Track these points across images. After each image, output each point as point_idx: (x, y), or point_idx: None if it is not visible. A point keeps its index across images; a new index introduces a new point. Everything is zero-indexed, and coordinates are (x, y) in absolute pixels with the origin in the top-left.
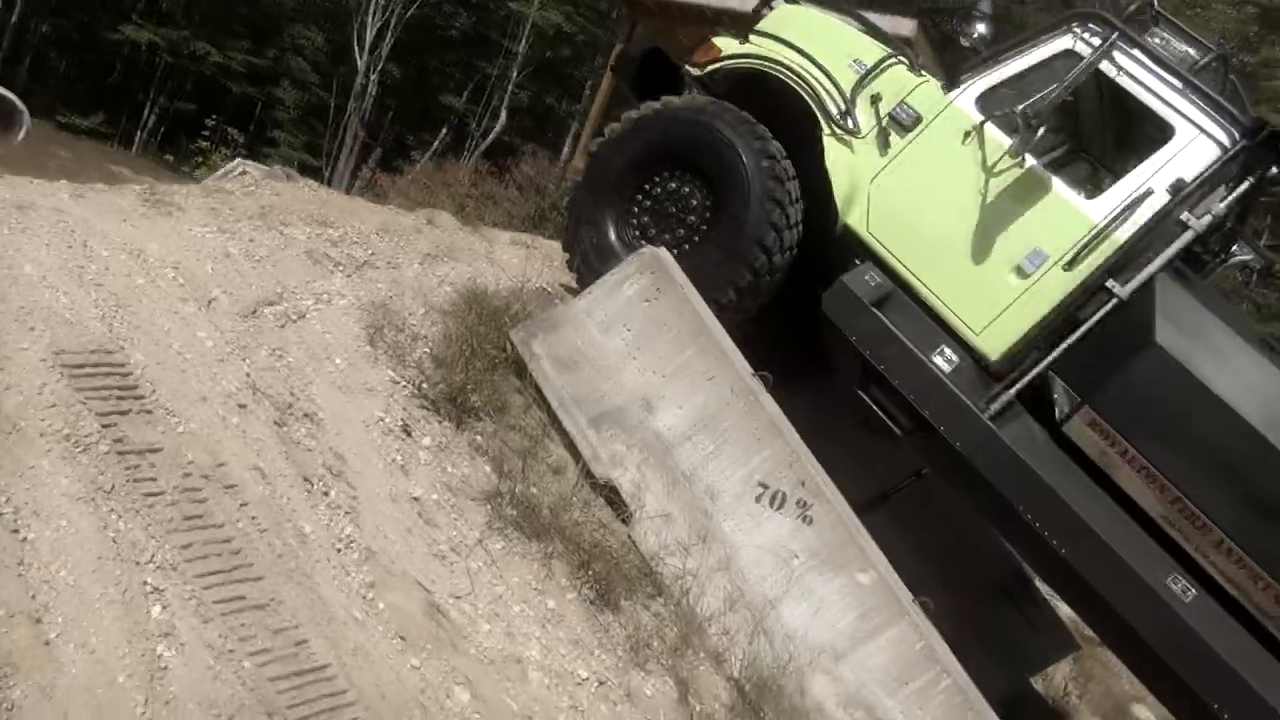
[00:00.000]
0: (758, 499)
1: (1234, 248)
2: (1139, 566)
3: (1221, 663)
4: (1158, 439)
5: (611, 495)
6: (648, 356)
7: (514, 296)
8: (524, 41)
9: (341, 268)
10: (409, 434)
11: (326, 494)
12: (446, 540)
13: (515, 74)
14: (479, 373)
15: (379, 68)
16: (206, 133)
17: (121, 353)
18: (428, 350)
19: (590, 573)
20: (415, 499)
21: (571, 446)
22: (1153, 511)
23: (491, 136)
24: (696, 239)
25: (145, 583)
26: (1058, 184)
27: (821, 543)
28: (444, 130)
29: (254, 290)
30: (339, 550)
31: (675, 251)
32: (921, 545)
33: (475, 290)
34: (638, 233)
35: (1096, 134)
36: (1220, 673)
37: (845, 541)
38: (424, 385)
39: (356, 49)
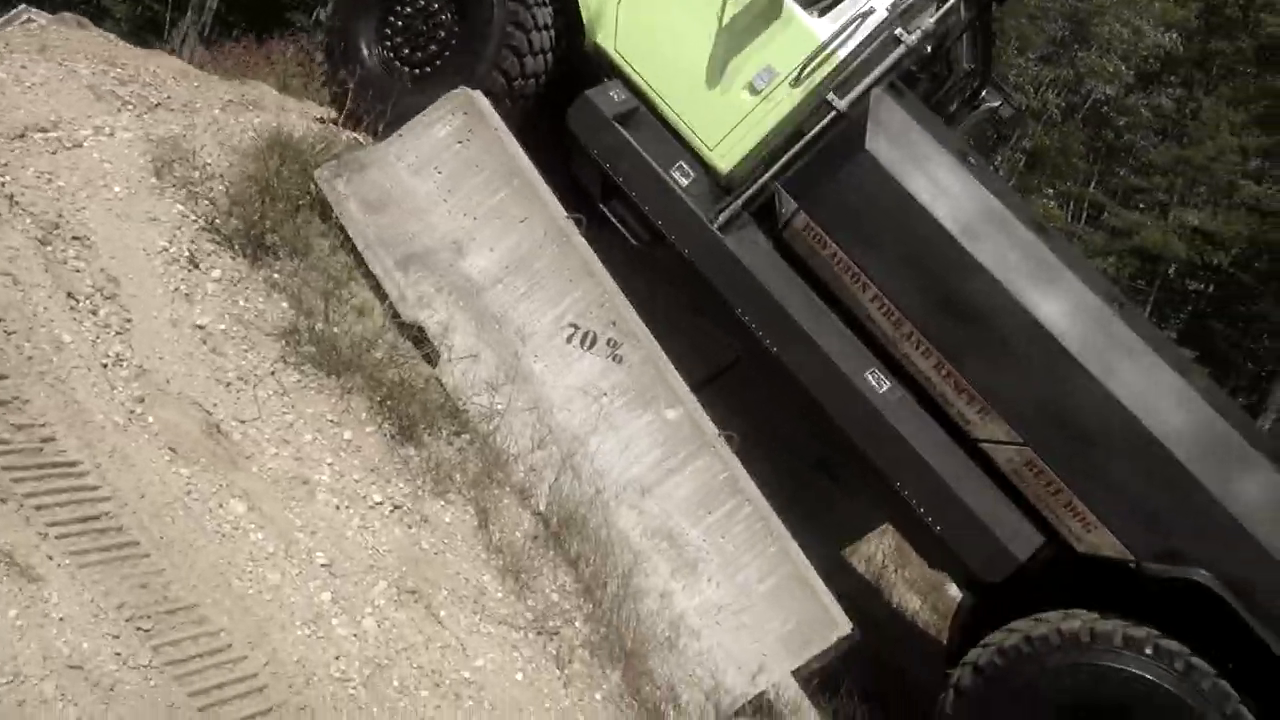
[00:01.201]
0: (569, 339)
1: (984, 94)
2: (841, 362)
3: (909, 449)
4: (862, 241)
5: (419, 337)
6: (459, 199)
7: (321, 143)
8: None
9: (130, 106)
10: (196, 265)
11: (94, 312)
12: (234, 369)
13: None
14: (280, 214)
15: None
16: None
17: None
18: (223, 189)
19: (392, 409)
20: (200, 327)
21: (378, 289)
22: (856, 310)
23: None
24: (447, 54)
25: None
26: (789, 3)
27: (631, 381)
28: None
29: (22, 114)
30: (105, 366)
31: (428, 69)
32: (744, 426)
33: (280, 135)
34: (391, 53)
35: None
36: (908, 458)
37: (654, 379)
38: (217, 221)
39: None
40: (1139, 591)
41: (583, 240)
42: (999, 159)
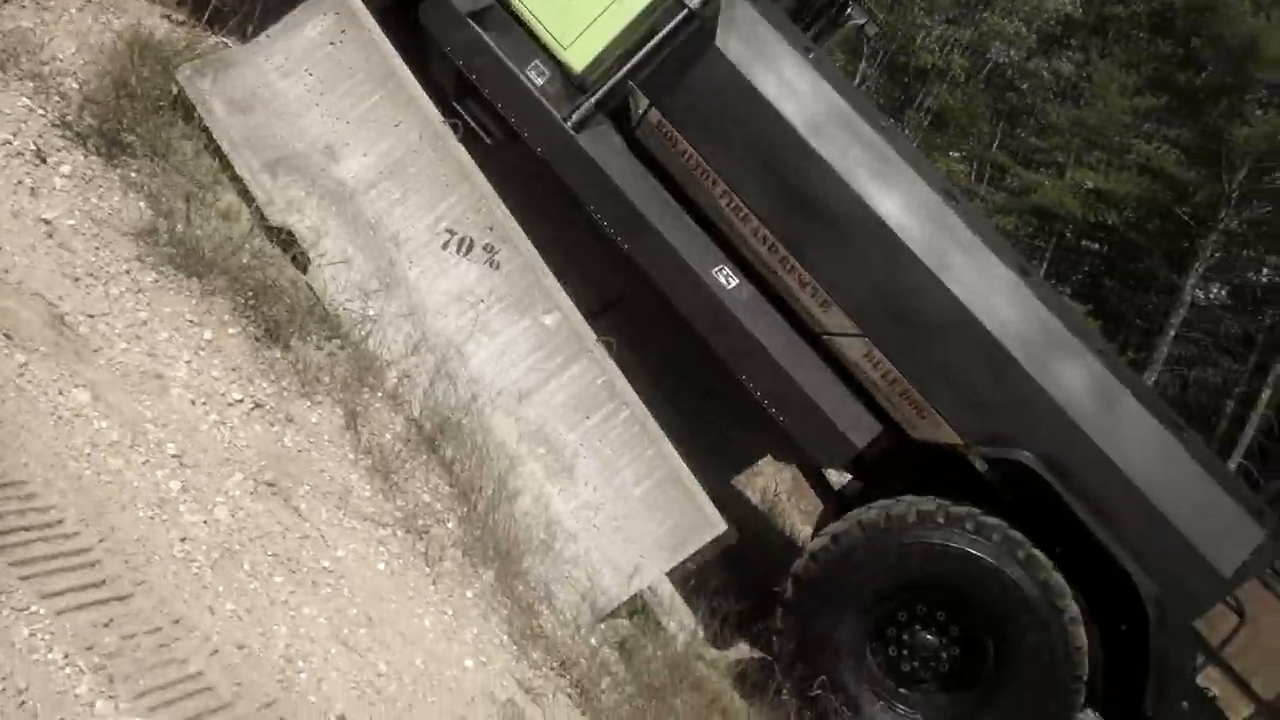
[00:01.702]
0: (445, 245)
1: (849, 10)
2: (691, 259)
3: (754, 342)
4: (712, 137)
5: (288, 241)
6: (331, 102)
7: (185, 43)
8: None
9: None
10: (43, 160)
11: None
12: (84, 265)
13: None
14: (139, 113)
15: None
16: None
17: None
18: (76, 86)
19: (257, 311)
20: (46, 221)
21: (245, 193)
22: (706, 207)
23: None
24: None
25: None
26: None
27: (508, 286)
28: None
29: None
30: None
31: None
32: (635, 358)
33: (141, 34)
34: None
35: None
36: (753, 351)
37: (531, 285)
38: (68, 118)
39: None
40: (973, 475)
41: (458, 145)
42: (905, 120)
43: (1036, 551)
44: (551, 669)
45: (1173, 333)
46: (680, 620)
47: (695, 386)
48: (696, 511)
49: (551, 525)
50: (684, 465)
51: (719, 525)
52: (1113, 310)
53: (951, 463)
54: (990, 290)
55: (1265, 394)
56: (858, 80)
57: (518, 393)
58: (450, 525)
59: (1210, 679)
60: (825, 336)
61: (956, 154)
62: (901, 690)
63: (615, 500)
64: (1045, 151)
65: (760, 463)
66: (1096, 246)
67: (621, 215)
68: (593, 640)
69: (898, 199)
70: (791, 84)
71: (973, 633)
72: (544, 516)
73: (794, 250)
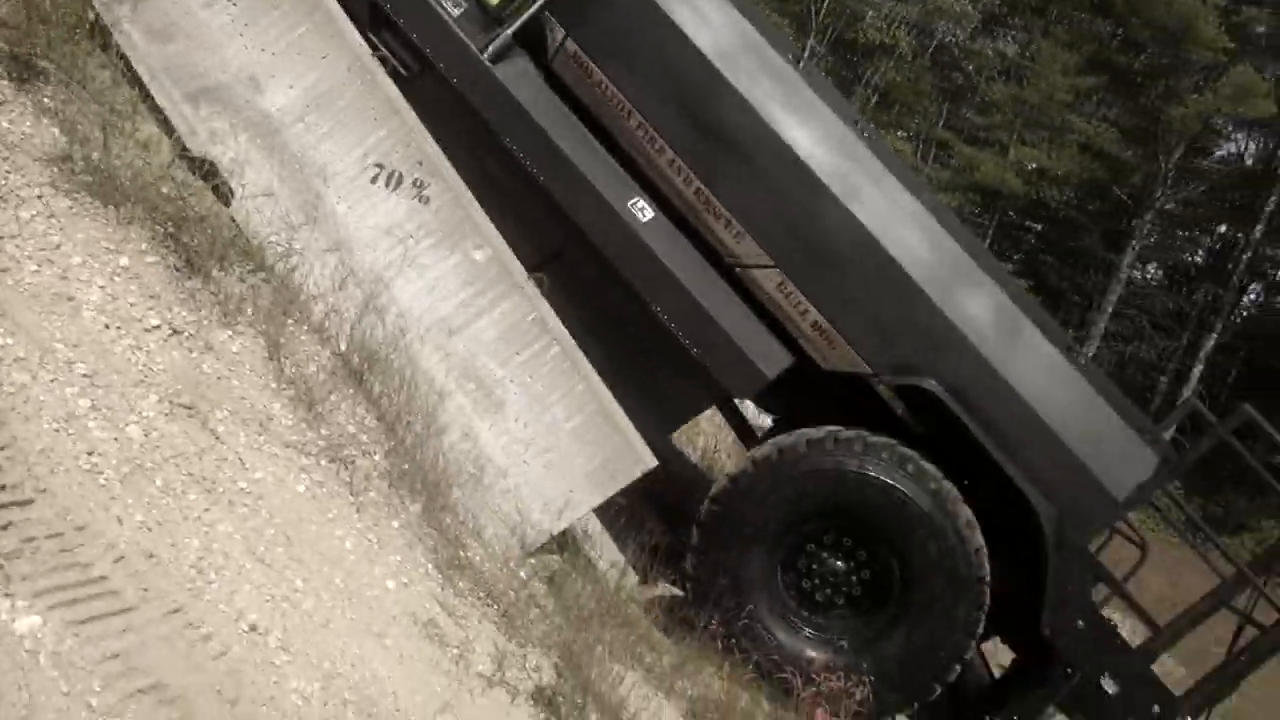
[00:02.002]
0: (373, 179)
1: None
2: (606, 191)
3: (669, 274)
4: (627, 68)
5: (210, 173)
6: (256, 33)
7: None
8: None
9: None
10: None
11: None
12: None
13: None
14: (54, 39)
15: None
16: None
17: None
18: None
19: (177, 241)
20: None
21: (165, 124)
22: (621, 139)
23: None
24: None
25: None
26: None
27: (438, 221)
28: None
29: None
30: None
31: None
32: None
33: None
34: None
35: None
36: (667, 283)
37: (461, 219)
38: None
39: None
40: (884, 408)
41: (386, 78)
42: (852, 97)
43: (926, 464)
44: (478, 598)
45: (1110, 310)
46: (609, 556)
47: (633, 345)
48: (626, 446)
49: (481, 460)
50: (614, 401)
51: (649, 460)
52: (1052, 287)
53: (862, 395)
54: (897, 220)
55: (1197, 369)
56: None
57: (447, 328)
58: (376, 458)
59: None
60: (739, 268)
61: (903, 133)
62: (817, 618)
63: (545, 435)
64: (988, 129)
65: (701, 420)
66: (1037, 225)
67: (537, 147)
68: (522, 573)
69: (808, 130)
70: (704, 14)
71: (877, 553)
72: (473, 451)
73: (707, 181)
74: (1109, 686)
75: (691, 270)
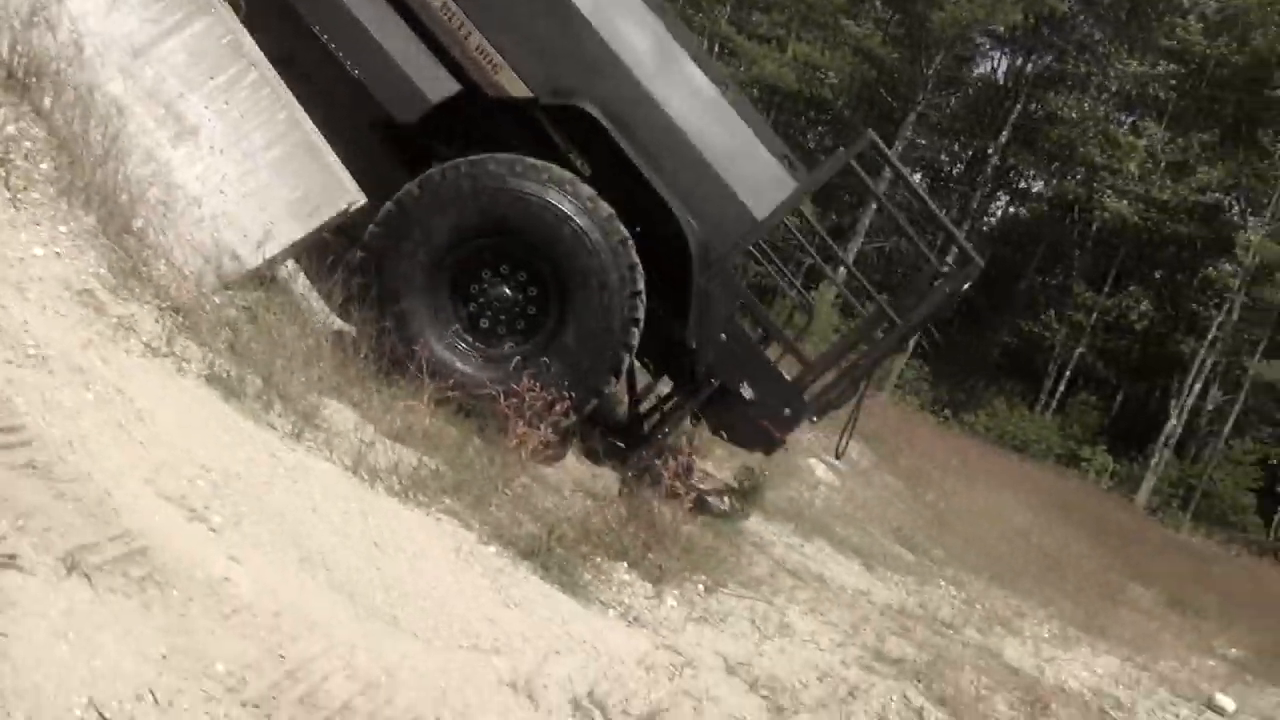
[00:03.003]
0: None
1: None
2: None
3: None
4: None
5: None
6: None
7: None
8: None
9: None
10: None
11: None
12: None
13: None
14: None
15: None
16: None
17: None
18: None
19: None
20: None
21: None
22: None
23: None
24: None
25: None
26: None
27: None
28: None
29: None
30: None
31: None
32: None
33: None
34: None
35: None
36: (332, 8)
37: None
38: None
39: None
40: (546, 138)
41: None
42: None
43: (582, 185)
44: (156, 302)
45: (874, 205)
46: (315, 298)
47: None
48: (332, 179)
49: (172, 188)
50: (319, 134)
51: (354, 193)
52: (827, 184)
53: (524, 124)
54: None
55: (947, 260)
56: None
57: (131, 48)
58: (43, 166)
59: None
60: None
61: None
62: (489, 342)
63: (244, 164)
64: (769, 27)
65: None
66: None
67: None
68: (216, 299)
69: None
70: None
71: (538, 273)
72: (164, 179)
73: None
74: (747, 393)
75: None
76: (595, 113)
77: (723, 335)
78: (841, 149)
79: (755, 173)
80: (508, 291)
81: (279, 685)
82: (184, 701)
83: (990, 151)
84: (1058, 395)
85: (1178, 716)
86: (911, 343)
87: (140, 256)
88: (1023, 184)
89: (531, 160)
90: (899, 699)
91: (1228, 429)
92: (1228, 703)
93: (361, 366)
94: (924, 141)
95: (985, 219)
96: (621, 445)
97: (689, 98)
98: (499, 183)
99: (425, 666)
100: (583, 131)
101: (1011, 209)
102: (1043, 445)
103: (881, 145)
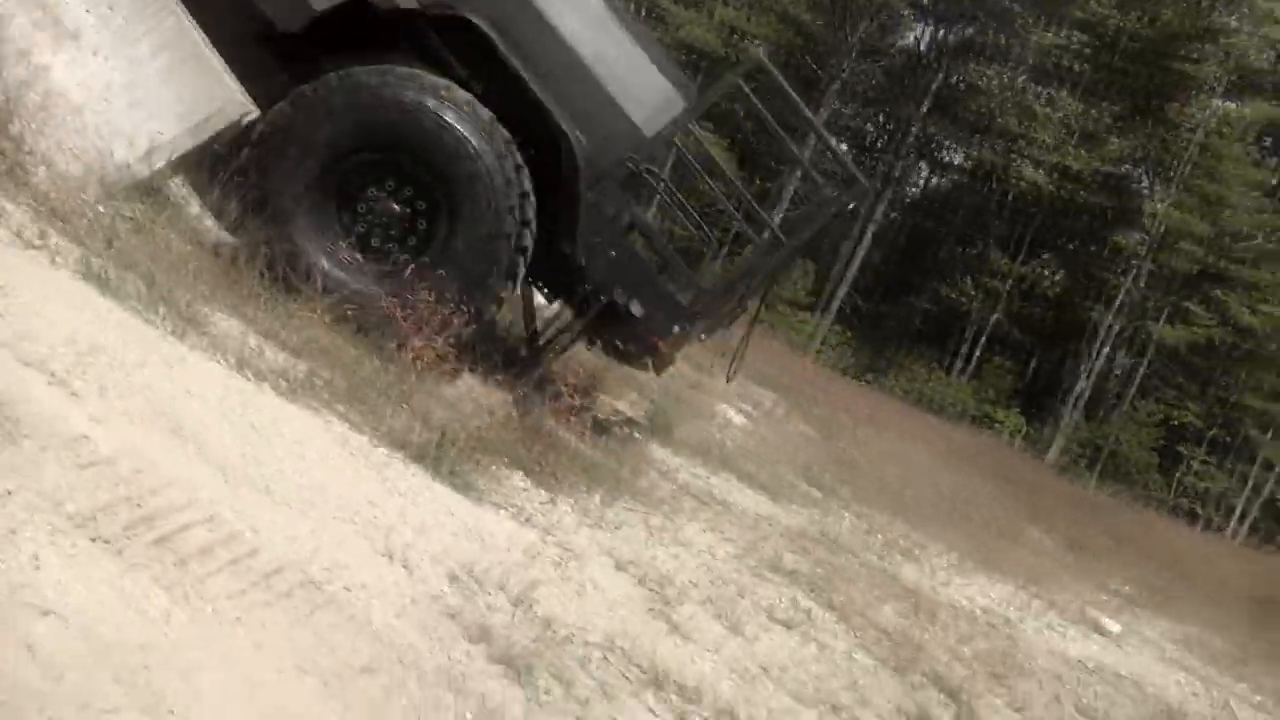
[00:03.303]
0: None
1: None
2: None
3: None
4: None
5: None
6: None
7: None
8: None
9: None
10: None
11: None
12: None
13: None
14: None
15: None
16: None
17: None
18: None
19: None
20: None
21: None
22: None
23: None
24: None
25: None
26: None
27: None
28: None
29: None
30: None
31: None
32: None
33: None
34: None
35: None
36: None
37: None
38: None
39: None
40: (429, 45)
41: None
42: None
43: (459, 91)
44: (32, 206)
45: (799, 171)
46: (196, 204)
47: None
48: (222, 89)
49: (52, 94)
50: (207, 41)
51: (246, 104)
52: (750, 149)
53: (411, 37)
54: None
55: (870, 229)
56: None
57: None
58: None
59: None
60: None
61: None
62: (381, 261)
63: (130, 72)
64: None
65: None
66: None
67: None
68: (100, 208)
69: None
70: None
71: (423, 184)
72: (41, 84)
73: None
74: (636, 309)
75: None
76: (480, 22)
77: (612, 252)
78: (729, 73)
79: (646, 93)
80: (395, 206)
81: (133, 528)
82: (28, 532)
83: (912, 122)
84: (974, 360)
85: (1064, 635)
86: (834, 307)
87: (17, 160)
88: (943, 155)
89: (404, 69)
90: (788, 601)
91: (1133, 392)
92: (1114, 626)
93: (254, 284)
94: (848, 110)
95: (908, 189)
96: (519, 368)
97: (580, 16)
98: (372, 95)
99: (296, 531)
100: (471, 45)
101: (933, 180)
102: (958, 407)
103: (769, 65)
